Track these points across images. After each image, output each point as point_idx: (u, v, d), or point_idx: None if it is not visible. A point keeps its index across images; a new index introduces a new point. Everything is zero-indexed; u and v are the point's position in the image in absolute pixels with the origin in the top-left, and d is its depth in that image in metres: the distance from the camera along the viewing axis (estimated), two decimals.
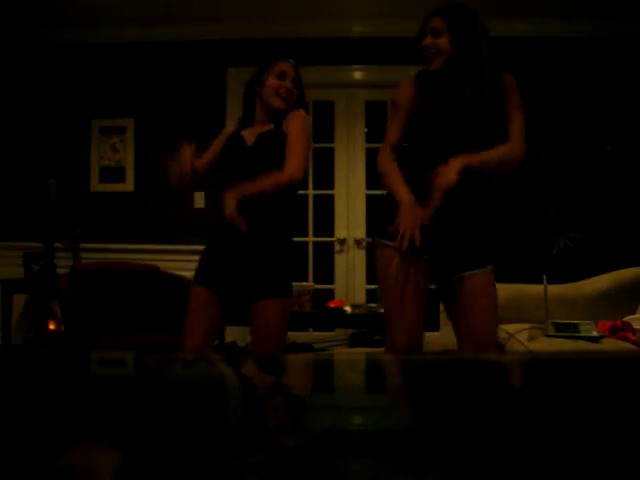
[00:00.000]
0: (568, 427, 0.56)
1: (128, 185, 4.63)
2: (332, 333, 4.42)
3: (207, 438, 0.52)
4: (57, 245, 4.38)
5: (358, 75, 4.68)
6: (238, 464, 0.43)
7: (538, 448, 0.48)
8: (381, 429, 0.56)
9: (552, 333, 2.88)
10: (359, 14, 4.45)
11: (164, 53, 4.61)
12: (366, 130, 4.73)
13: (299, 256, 4.73)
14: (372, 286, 4.51)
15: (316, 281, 4.48)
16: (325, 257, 4.71)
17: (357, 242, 4.64)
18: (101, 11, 4.32)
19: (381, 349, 3.10)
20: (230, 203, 2.06)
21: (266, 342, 2.20)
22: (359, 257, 4.67)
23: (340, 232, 4.66)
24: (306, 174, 2.34)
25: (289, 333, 4.36)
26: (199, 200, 4.56)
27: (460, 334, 2.09)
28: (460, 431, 0.55)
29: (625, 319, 3.04)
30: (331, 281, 4.68)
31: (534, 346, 2.80)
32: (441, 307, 4.55)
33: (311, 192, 4.75)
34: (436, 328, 4.55)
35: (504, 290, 3.68)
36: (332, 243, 4.70)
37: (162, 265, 4.00)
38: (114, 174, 4.64)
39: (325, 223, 4.73)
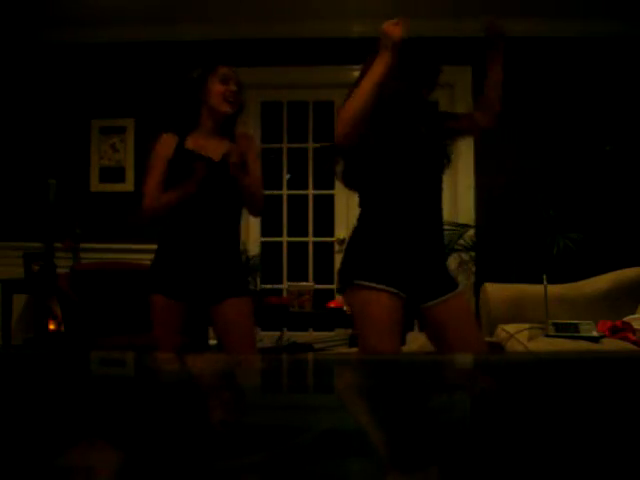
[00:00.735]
0: (568, 427, 0.56)
1: (128, 185, 4.63)
2: (332, 333, 4.41)
3: (207, 438, 0.52)
4: (57, 245, 4.38)
5: (358, 75, 4.67)
6: (238, 464, 0.43)
7: (538, 448, 0.48)
8: (381, 429, 0.56)
9: (552, 333, 2.88)
10: (359, 14, 4.45)
11: (164, 53, 4.61)
12: None
13: (299, 256, 4.73)
14: None
15: (316, 281, 4.48)
16: (325, 257, 4.71)
17: None
18: (101, 11, 4.32)
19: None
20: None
21: (245, 337, 2.25)
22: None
23: (340, 232, 4.66)
24: None
25: (289, 333, 4.40)
26: None
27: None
28: (460, 431, 0.55)
29: (625, 319, 3.04)
30: (331, 281, 4.67)
31: (534, 346, 2.80)
32: None
33: (311, 192, 4.75)
34: None
35: (504, 290, 3.69)
36: (332, 243, 4.70)
37: None
38: (114, 174, 4.64)
39: (325, 223, 4.73)
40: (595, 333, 2.84)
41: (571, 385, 0.77)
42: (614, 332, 2.91)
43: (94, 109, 4.66)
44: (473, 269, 4.44)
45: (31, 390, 0.73)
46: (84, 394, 0.72)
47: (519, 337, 2.96)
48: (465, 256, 4.42)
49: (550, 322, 2.94)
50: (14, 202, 4.65)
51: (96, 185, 4.65)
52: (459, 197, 4.48)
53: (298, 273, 4.65)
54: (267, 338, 4.33)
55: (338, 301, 4.09)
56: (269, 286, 4.60)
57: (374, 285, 1.95)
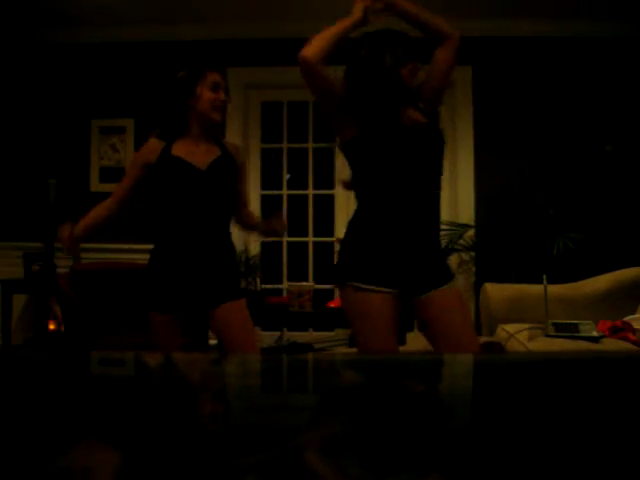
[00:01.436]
0: (568, 427, 0.56)
1: None
2: (332, 333, 4.41)
3: (207, 438, 0.52)
4: (57, 245, 4.38)
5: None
6: (238, 464, 0.43)
7: (538, 448, 0.48)
8: (381, 429, 0.56)
9: (552, 333, 2.88)
10: None
11: (164, 53, 4.61)
12: None
13: (299, 256, 4.74)
14: None
15: (316, 281, 4.48)
16: (325, 257, 4.71)
17: None
18: (101, 11, 4.32)
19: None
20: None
21: (248, 338, 2.27)
22: None
23: (340, 232, 4.65)
24: None
25: (289, 333, 4.39)
26: None
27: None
28: (459, 431, 0.55)
29: (625, 319, 3.04)
30: (331, 281, 4.67)
31: (534, 346, 2.80)
32: None
33: (311, 192, 4.75)
34: None
35: (504, 290, 3.69)
36: (332, 243, 4.70)
37: None
38: (114, 174, 4.63)
39: (325, 223, 4.73)
40: (595, 333, 2.84)
41: (571, 385, 0.77)
42: (614, 332, 2.91)
43: (94, 109, 4.66)
44: (473, 269, 4.44)
45: (31, 390, 0.73)
46: (84, 394, 0.72)
47: (519, 337, 2.96)
48: (465, 256, 4.42)
49: (550, 322, 2.94)
50: (14, 202, 4.65)
51: (96, 185, 4.65)
52: (459, 197, 4.49)
53: (298, 273, 4.65)
54: (267, 338, 4.33)
55: (338, 301, 4.10)
56: (269, 286, 4.60)
57: (365, 287, 1.97)
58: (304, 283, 4.14)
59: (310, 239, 4.74)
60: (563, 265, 4.04)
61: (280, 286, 4.66)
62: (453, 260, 4.43)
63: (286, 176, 4.80)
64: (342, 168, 4.69)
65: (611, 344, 2.79)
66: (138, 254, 4.36)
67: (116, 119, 4.65)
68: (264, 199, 4.75)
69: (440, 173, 2.09)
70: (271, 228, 2.45)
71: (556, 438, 0.51)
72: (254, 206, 4.70)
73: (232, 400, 0.73)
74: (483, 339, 3.15)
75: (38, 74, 4.70)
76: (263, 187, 4.75)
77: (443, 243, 4.32)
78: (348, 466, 0.44)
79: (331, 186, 4.73)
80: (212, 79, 2.26)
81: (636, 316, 3.10)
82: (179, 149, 2.24)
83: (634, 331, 2.90)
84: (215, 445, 0.49)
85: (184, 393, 0.75)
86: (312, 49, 2.09)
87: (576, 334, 2.84)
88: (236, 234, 2.58)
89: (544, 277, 3.09)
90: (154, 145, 2.27)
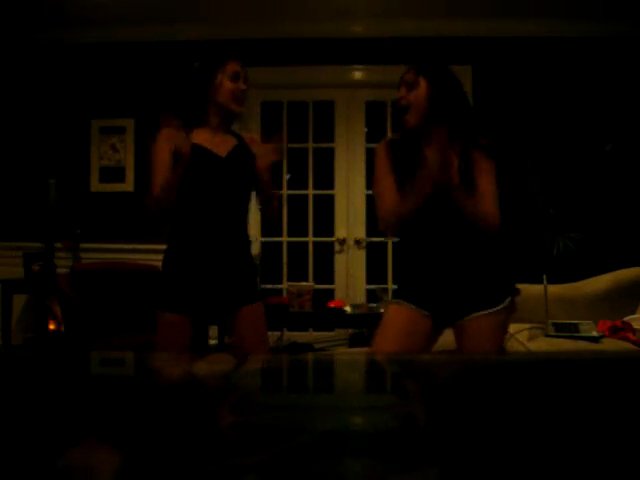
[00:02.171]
0: (568, 427, 0.56)
1: (128, 185, 4.63)
2: (332, 333, 4.42)
3: (207, 438, 0.52)
4: (57, 245, 4.38)
5: (358, 75, 4.68)
6: (238, 464, 0.43)
7: (538, 448, 0.48)
8: (381, 429, 0.56)
9: (552, 333, 2.88)
10: (359, 14, 4.45)
11: (164, 53, 4.61)
12: (366, 130, 4.72)
13: (299, 256, 4.74)
14: (372, 286, 4.51)
15: (316, 281, 4.48)
16: (325, 257, 4.71)
17: (357, 242, 4.64)
18: (101, 11, 4.32)
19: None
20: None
21: (260, 344, 2.23)
22: (359, 257, 4.67)
23: (340, 232, 4.66)
24: None
25: (289, 333, 4.39)
26: None
27: None
28: (459, 431, 0.55)
29: (625, 319, 3.04)
30: (331, 281, 4.68)
31: (534, 346, 2.80)
32: None
33: (311, 192, 4.75)
34: None
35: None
36: (332, 243, 4.70)
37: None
38: (114, 174, 4.64)
39: (325, 223, 4.73)
40: (595, 333, 2.84)
41: (571, 385, 0.77)
42: (614, 332, 2.91)
43: (94, 109, 4.66)
44: None
45: (31, 390, 0.73)
46: (84, 394, 0.72)
47: (519, 337, 2.96)
48: None
49: (550, 322, 2.94)
50: (14, 202, 4.65)
51: (96, 185, 4.66)
52: None
53: (298, 273, 4.65)
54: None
55: (337, 301, 4.10)
56: (269, 286, 4.60)
57: (398, 301, 2.07)
58: (304, 283, 4.14)
59: (310, 239, 4.74)
60: (563, 265, 4.04)
61: (280, 286, 4.66)
62: None
63: (286, 176, 4.80)
64: (342, 168, 4.70)
65: (611, 344, 2.79)
66: (139, 254, 4.37)
67: (116, 119, 4.65)
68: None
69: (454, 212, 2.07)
70: (270, 148, 2.24)
71: (556, 438, 0.51)
72: (254, 206, 4.70)
73: (232, 400, 0.73)
74: None
75: (38, 74, 4.70)
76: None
77: None
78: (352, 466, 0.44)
79: (331, 186, 4.73)
80: (232, 69, 2.24)
81: (636, 316, 3.10)
82: (198, 137, 2.19)
83: (634, 331, 2.90)
84: (215, 445, 0.49)
85: (184, 393, 0.75)
86: (387, 227, 2.14)
87: (576, 334, 2.84)
88: None
89: (544, 277, 3.09)
90: (172, 133, 2.19)
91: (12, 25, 4.55)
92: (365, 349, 2.43)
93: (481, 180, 2.03)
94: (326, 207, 4.73)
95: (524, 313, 3.44)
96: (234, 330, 2.23)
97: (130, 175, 4.63)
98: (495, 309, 2.02)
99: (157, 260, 4.16)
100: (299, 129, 4.76)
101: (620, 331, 2.90)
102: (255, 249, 4.58)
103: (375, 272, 4.64)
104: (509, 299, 2.05)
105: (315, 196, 4.75)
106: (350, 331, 4.26)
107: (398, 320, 2.04)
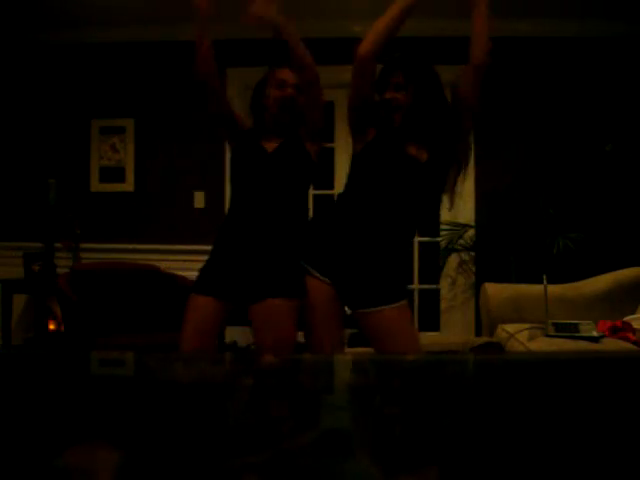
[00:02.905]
0: (568, 427, 0.56)
1: (128, 185, 4.63)
2: None
3: (207, 438, 0.52)
4: (57, 245, 4.38)
5: None
6: (238, 464, 0.43)
7: (538, 448, 0.48)
8: (381, 429, 0.56)
9: (552, 333, 2.88)
10: (359, 14, 4.45)
11: (164, 53, 4.61)
12: None
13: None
14: None
15: None
16: None
17: None
18: (101, 11, 4.32)
19: None
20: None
21: (278, 343, 2.18)
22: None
23: None
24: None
25: None
26: (199, 200, 4.57)
27: None
28: (459, 431, 0.55)
29: (625, 319, 3.04)
30: None
31: (534, 346, 2.80)
32: (441, 307, 4.56)
33: (311, 192, 4.75)
34: (436, 328, 4.55)
35: (504, 290, 3.69)
36: None
37: (162, 265, 4.00)
38: (114, 174, 4.65)
39: None
40: (595, 333, 2.84)
41: (571, 385, 0.77)
42: (614, 332, 2.91)
43: (94, 109, 4.66)
44: (473, 269, 4.44)
45: (31, 390, 0.73)
46: (84, 394, 0.72)
47: (519, 337, 2.96)
48: (465, 256, 4.43)
49: (550, 322, 2.94)
50: (14, 202, 4.65)
51: (96, 185, 4.66)
52: (459, 197, 4.48)
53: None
54: None
55: None
56: None
57: (311, 270, 2.09)
58: None
59: None
60: (563, 265, 4.04)
61: None
62: (453, 260, 4.44)
63: None
64: (342, 168, 4.69)
65: (611, 344, 2.79)
66: (139, 254, 4.37)
67: (116, 119, 4.65)
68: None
69: (415, 217, 2.14)
70: None
71: (556, 438, 0.51)
72: None
73: (232, 400, 0.73)
74: (483, 339, 3.15)
75: (38, 74, 4.70)
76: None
77: (443, 243, 4.33)
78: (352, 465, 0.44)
79: (331, 186, 4.73)
80: (279, 76, 2.28)
81: (636, 316, 3.10)
82: (260, 137, 2.30)
83: (634, 331, 2.90)
84: (215, 445, 0.49)
85: (183, 393, 0.75)
86: (367, 46, 2.08)
87: (576, 334, 2.84)
88: None
89: (544, 277, 3.09)
90: (246, 123, 2.36)
91: (12, 25, 4.55)
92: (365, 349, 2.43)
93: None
94: (326, 207, 4.72)
95: (524, 313, 3.45)
96: (254, 323, 2.20)
97: (130, 175, 4.63)
98: (392, 306, 2.05)
99: (157, 260, 4.19)
100: None
101: (620, 331, 2.90)
102: None
103: None
104: (400, 302, 2.06)
105: (315, 196, 4.75)
106: (350, 331, 4.25)
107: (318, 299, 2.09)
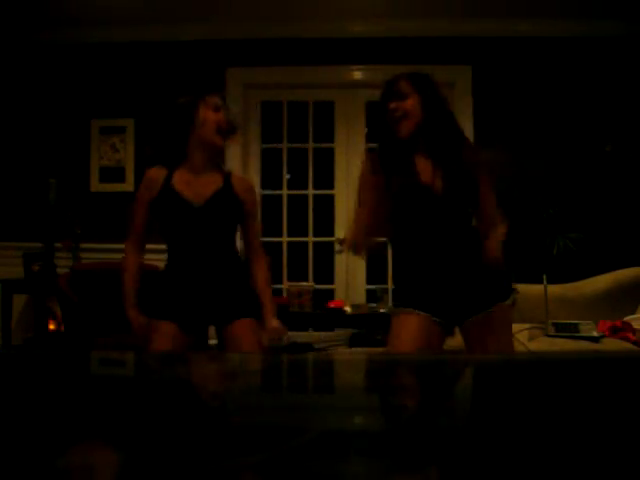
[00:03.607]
0: (568, 427, 0.56)
1: (128, 185, 4.63)
2: (332, 333, 4.41)
3: (207, 438, 0.52)
4: (57, 245, 4.38)
5: (358, 75, 4.68)
6: (238, 464, 0.43)
7: (538, 448, 0.48)
8: (381, 429, 0.57)
9: (552, 333, 2.88)
10: (359, 14, 4.45)
11: (164, 53, 4.61)
12: (366, 130, 4.72)
13: (299, 256, 4.73)
14: (372, 286, 4.51)
15: (316, 281, 4.48)
16: (325, 257, 4.71)
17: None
18: (101, 11, 4.32)
19: (381, 349, 3.10)
20: None
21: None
22: (359, 257, 4.67)
23: (340, 232, 4.66)
24: None
25: (289, 333, 4.38)
26: None
27: None
28: (459, 431, 0.55)
29: (625, 319, 3.04)
30: (331, 281, 4.68)
31: (534, 346, 2.80)
32: None
33: (311, 192, 4.75)
34: None
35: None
36: (332, 243, 4.69)
37: (162, 265, 3.99)
38: (114, 174, 4.64)
39: (325, 223, 4.73)
40: (595, 333, 2.84)
41: (571, 385, 0.77)
42: (614, 332, 2.91)
43: (94, 109, 4.66)
44: None
45: (31, 390, 0.73)
46: (84, 394, 0.72)
47: (519, 337, 2.96)
48: None
49: (550, 322, 2.94)
50: (14, 202, 4.65)
51: (96, 185, 4.66)
52: None
53: (298, 273, 4.65)
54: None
55: (338, 301, 4.10)
56: None
57: (407, 310, 2.04)
58: (304, 283, 4.14)
59: (310, 239, 4.74)
60: (563, 265, 4.04)
61: (280, 286, 4.66)
62: None
63: (286, 176, 4.80)
64: (342, 168, 4.70)
65: (611, 344, 2.79)
66: None
67: (116, 119, 4.65)
68: (264, 199, 4.75)
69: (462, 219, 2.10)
70: (271, 334, 2.31)
71: (556, 438, 0.51)
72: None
73: (231, 400, 0.73)
74: None
75: (38, 74, 4.70)
76: (263, 187, 4.76)
77: None
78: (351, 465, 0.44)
79: (331, 186, 4.73)
80: (213, 100, 2.23)
81: (636, 316, 3.10)
82: (179, 179, 2.21)
83: (634, 331, 2.90)
84: (215, 445, 0.50)
85: (183, 393, 0.75)
86: (372, 237, 2.10)
87: (576, 334, 2.84)
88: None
89: (544, 277, 3.09)
90: (156, 175, 2.24)
91: (12, 25, 4.55)
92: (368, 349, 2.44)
93: (486, 199, 2.09)
94: (326, 207, 4.73)
95: (524, 313, 3.45)
96: (225, 344, 2.26)
97: (130, 175, 4.63)
98: (497, 307, 2.05)
99: (157, 260, 4.17)
100: (299, 129, 4.76)
101: (620, 331, 2.90)
102: None
103: (375, 272, 4.64)
104: (512, 297, 2.07)
105: (315, 196, 4.75)
106: (350, 331, 4.26)
107: (412, 329, 2.03)
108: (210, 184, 2.22)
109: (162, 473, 0.42)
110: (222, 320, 2.24)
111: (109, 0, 4.18)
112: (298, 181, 4.80)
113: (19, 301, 4.31)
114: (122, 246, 4.51)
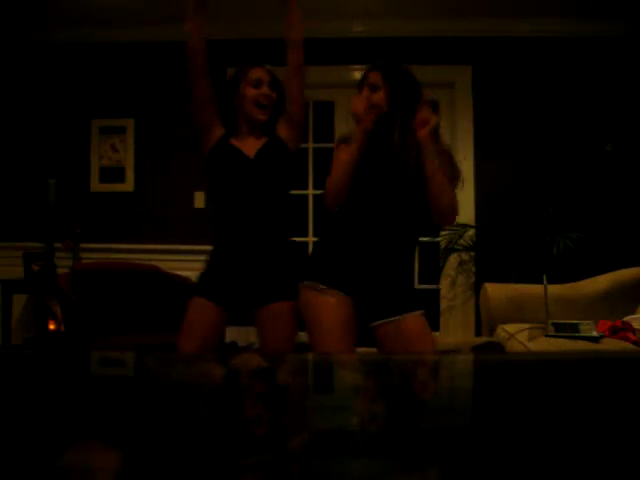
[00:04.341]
0: (568, 427, 0.56)
1: (128, 185, 4.63)
2: None
3: (207, 438, 0.52)
4: (57, 245, 4.38)
5: (358, 75, 4.65)
6: (239, 464, 0.43)
7: (538, 448, 0.48)
8: (381, 429, 0.56)
9: (552, 333, 2.88)
10: (359, 14, 4.45)
11: (164, 53, 4.61)
12: None
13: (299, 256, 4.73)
14: None
15: None
16: None
17: None
18: (101, 11, 4.32)
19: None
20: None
21: (281, 344, 2.21)
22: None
23: None
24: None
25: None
26: (199, 200, 4.57)
27: None
28: (459, 431, 0.55)
29: (625, 319, 3.04)
30: None
31: (534, 346, 2.80)
32: (441, 307, 4.56)
33: (311, 192, 4.75)
34: (436, 328, 4.55)
35: (504, 290, 3.69)
36: None
37: (162, 265, 4.00)
38: (114, 174, 4.64)
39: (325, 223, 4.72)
40: (595, 333, 2.84)
41: (571, 385, 0.77)
42: (614, 332, 2.91)
43: (94, 109, 4.66)
44: (473, 269, 4.44)
45: (31, 390, 0.73)
46: (84, 394, 0.72)
47: (519, 337, 2.96)
48: (465, 256, 4.43)
49: (550, 322, 2.94)
50: (14, 202, 4.65)
51: (96, 185, 4.66)
52: (459, 197, 4.48)
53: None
54: None
55: None
56: None
57: (319, 286, 2.04)
58: None
59: (310, 239, 4.74)
60: (563, 265, 4.04)
61: None
62: (453, 260, 4.43)
63: None
64: None
65: (611, 344, 2.79)
66: (138, 254, 4.37)
67: (116, 119, 4.65)
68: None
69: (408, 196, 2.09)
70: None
71: (556, 438, 0.51)
72: None
73: (232, 400, 0.73)
74: (483, 339, 3.15)
75: (38, 74, 4.70)
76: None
77: (443, 243, 4.33)
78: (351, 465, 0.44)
79: None
80: (254, 74, 2.25)
81: (636, 316, 3.10)
82: (234, 139, 2.26)
83: (634, 331, 2.90)
84: (215, 445, 0.49)
85: (183, 393, 0.75)
86: (329, 199, 2.12)
87: (576, 334, 2.84)
88: None
89: (544, 277, 3.09)
90: (219, 129, 2.30)
91: (12, 24, 4.55)
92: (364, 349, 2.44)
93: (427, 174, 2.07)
94: (326, 207, 4.72)
95: (524, 313, 3.45)
96: (259, 326, 2.23)
97: (130, 175, 4.63)
98: (414, 313, 2.04)
99: (157, 260, 4.19)
100: None
101: (620, 331, 2.90)
102: None
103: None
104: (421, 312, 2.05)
105: (315, 196, 4.75)
106: None
107: (336, 314, 2.03)
108: (259, 142, 2.26)
109: (162, 473, 0.42)
110: (259, 301, 2.20)
111: (110, 1, 4.18)
112: (298, 181, 4.80)
113: (19, 301, 4.31)
114: (122, 246, 4.55)
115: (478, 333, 4.29)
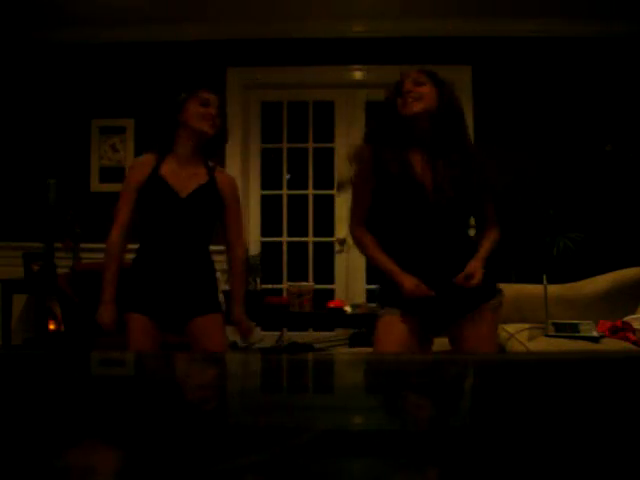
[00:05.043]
0: (568, 427, 0.56)
1: None
2: (332, 333, 4.42)
3: (207, 438, 0.52)
4: (57, 245, 4.38)
5: (358, 75, 4.68)
6: (238, 464, 0.43)
7: (538, 448, 0.48)
8: (381, 429, 0.57)
9: (552, 333, 2.88)
10: (359, 14, 4.45)
11: (164, 53, 4.62)
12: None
13: (299, 256, 4.74)
14: (372, 286, 4.51)
15: (316, 281, 4.48)
16: (325, 257, 4.71)
17: None
18: (102, 11, 4.32)
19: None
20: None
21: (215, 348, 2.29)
22: (359, 257, 4.65)
23: (340, 232, 4.66)
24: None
25: (289, 333, 4.39)
26: None
27: None
28: (459, 431, 0.55)
29: (625, 319, 3.04)
30: (331, 281, 4.68)
31: (534, 346, 2.80)
32: None
33: (311, 192, 4.75)
34: None
35: (504, 290, 3.68)
36: (332, 243, 4.70)
37: None
38: (114, 174, 4.64)
39: (325, 223, 4.73)
40: (595, 333, 2.83)
41: (571, 385, 0.77)
42: (614, 332, 2.90)
43: (94, 109, 4.66)
44: None
45: (31, 390, 0.73)
46: (84, 394, 0.72)
47: (519, 337, 2.96)
48: None
49: (550, 322, 2.94)
50: (14, 202, 4.65)
51: (96, 185, 4.66)
52: None
53: (298, 273, 4.65)
54: (267, 338, 4.33)
55: (337, 301, 4.09)
56: (269, 286, 4.60)
57: (389, 309, 2.07)
58: (304, 283, 4.14)
59: (310, 239, 4.74)
60: (563, 265, 4.04)
61: (280, 286, 4.66)
62: None
63: (286, 176, 4.80)
64: (341, 168, 4.69)
65: (611, 344, 2.79)
66: None
67: (116, 119, 4.65)
68: (264, 199, 4.76)
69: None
70: (241, 331, 2.42)
71: (556, 438, 0.51)
72: (254, 206, 4.71)
73: (231, 400, 0.73)
74: None
75: (38, 74, 4.70)
76: (263, 187, 4.76)
77: None
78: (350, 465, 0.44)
79: (331, 186, 4.73)
80: (205, 95, 2.29)
81: (636, 316, 3.10)
82: (166, 168, 2.26)
83: (634, 331, 2.90)
84: (214, 445, 0.50)
85: (183, 393, 0.75)
86: (357, 246, 2.22)
87: (576, 334, 2.83)
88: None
89: (544, 277, 3.09)
90: (147, 160, 2.30)
91: (12, 25, 4.55)
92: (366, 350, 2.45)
93: (487, 200, 2.12)
94: (326, 207, 4.73)
95: (524, 313, 3.45)
96: (191, 338, 2.32)
97: None
98: (482, 308, 2.05)
99: None
100: (299, 129, 4.77)
101: (620, 331, 2.90)
102: (255, 249, 4.59)
103: (375, 272, 4.64)
104: (497, 298, 2.07)
105: (315, 196, 4.75)
106: (350, 331, 4.26)
107: (397, 332, 2.03)
108: (195, 177, 2.28)
109: (162, 473, 0.42)
110: (188, 314, 2.27)
111: (110, 1, 4.18)
112: (298, 181, 4.80)
113: (19, 301, 4.31)
114: None
115: None
